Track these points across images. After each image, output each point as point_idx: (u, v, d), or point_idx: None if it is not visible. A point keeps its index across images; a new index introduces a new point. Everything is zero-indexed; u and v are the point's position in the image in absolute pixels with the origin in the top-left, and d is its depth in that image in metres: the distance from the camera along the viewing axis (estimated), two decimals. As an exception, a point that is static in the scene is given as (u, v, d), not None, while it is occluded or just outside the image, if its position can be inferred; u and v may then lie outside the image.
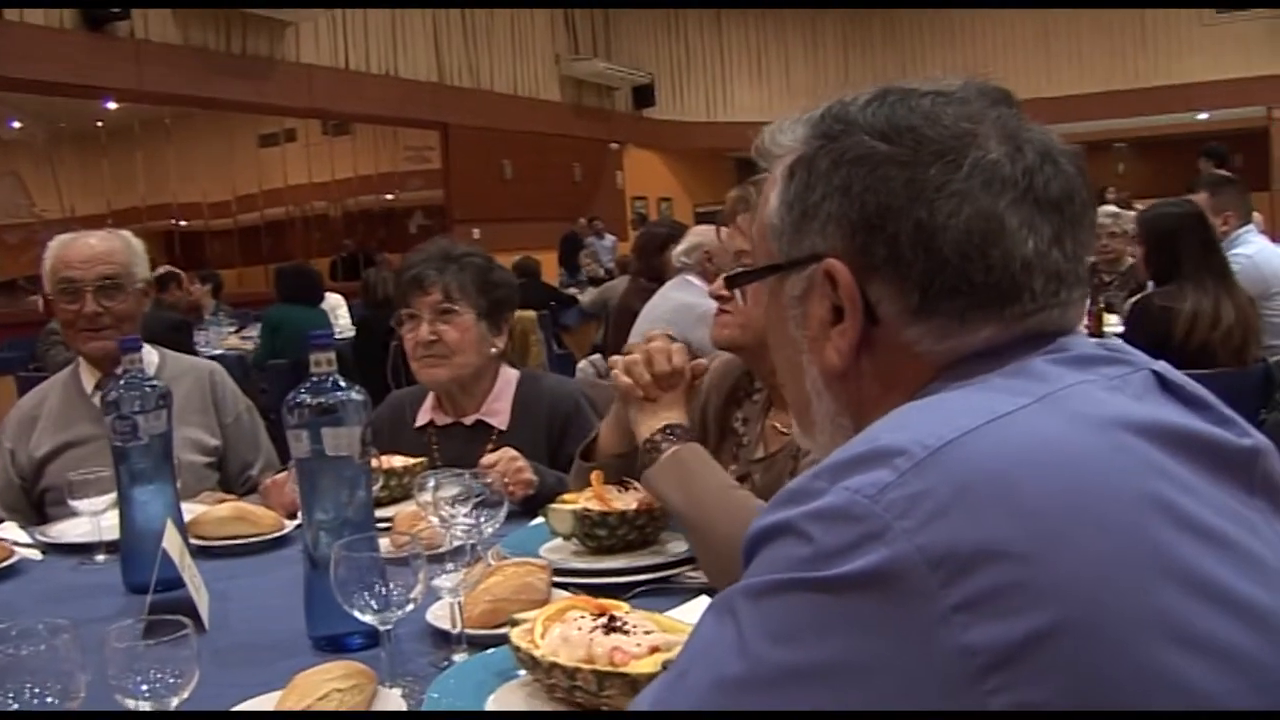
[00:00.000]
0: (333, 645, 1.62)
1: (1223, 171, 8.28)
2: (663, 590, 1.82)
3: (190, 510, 2.48)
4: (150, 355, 3.01)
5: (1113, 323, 5.35)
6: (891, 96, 1.00)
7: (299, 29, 13.05)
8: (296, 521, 2.17)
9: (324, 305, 9.46)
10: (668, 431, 1.96)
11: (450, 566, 1.55)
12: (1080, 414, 0.88)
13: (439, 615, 1.63)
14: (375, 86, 14.13)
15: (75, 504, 2.26)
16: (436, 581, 1.54)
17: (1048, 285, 0.97)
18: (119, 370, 2.05)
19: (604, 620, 1.35)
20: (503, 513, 1.88)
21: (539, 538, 2.06)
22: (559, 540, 2.02)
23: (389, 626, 1.44)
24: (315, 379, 1.63)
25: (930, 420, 0.87)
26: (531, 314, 9.43)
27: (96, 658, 1.23)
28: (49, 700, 1.17)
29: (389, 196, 16.32)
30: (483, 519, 1.87)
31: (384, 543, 1.56)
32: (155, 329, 6.64)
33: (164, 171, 17.11)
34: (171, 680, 1.23)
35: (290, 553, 2.20)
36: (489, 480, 1.84)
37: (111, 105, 14.77)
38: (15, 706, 1.16)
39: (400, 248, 13.73)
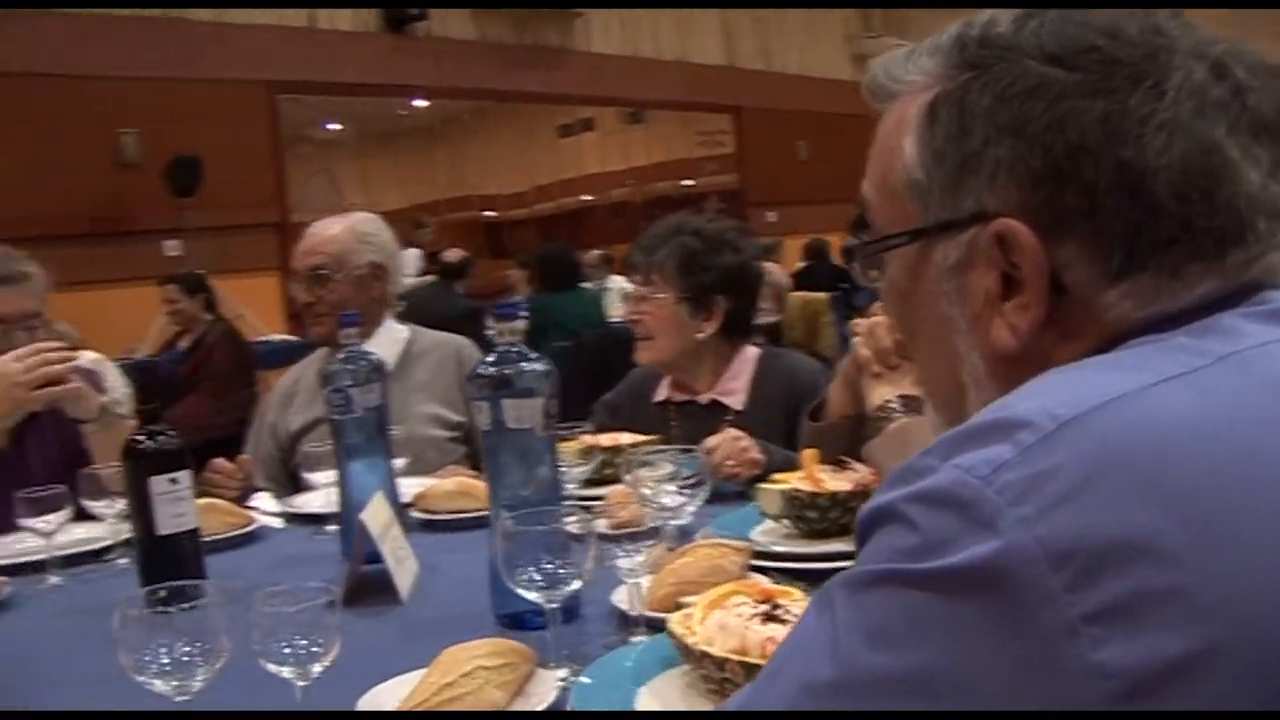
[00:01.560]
0: (514, 622, 1.59)
1: None
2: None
3: (422, 484, 2.53)
4: (399, 331, 3.09)
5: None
6: (1050, 12, 0.84)
7: (589, 19, 13.30)
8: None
9: (611, 288, 9.58)
10: (902, 402, 1.84)
11: (639, 546, 1.49)
12: (1272, 379, 0.73)
13: (622, 596, 1.57)
14: (666, 72, 14.24)
15: (309, 476, 2.33)
16: (619, 561, 1.48)
17: (1270, 224, 0.81)
18: (342, 343, 2.09)
19: (765, 608, 1.26)
20: (704, 494, 1.81)
21: (753, 520, 1.97)
22: (771, 523, 1.93)
23: (554, 605, 1.39)
24: (500, 349, 1.59)
25: (1070, 386, 0.73)
26: (823, 296, 9.34)
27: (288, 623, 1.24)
28: (194, 659, 1.18)
29: (686, 182, 16.44)
30: (685, 499, 1.81)
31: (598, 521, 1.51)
32: (447, 314, 6.93)
33: (465, 164, 17.79)
34: (314, 649, 1.21)
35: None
36: (710, 461, 1.77)
37: (418, 103, 15.48)
38: (165, 662, 1.17)
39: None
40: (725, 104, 15.13)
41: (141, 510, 1.83)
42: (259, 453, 3.03)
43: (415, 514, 2.32)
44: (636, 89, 14.22)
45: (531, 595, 1.37)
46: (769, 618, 1.24)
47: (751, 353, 2.79)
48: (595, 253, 10.53)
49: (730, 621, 1.23)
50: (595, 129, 17.74)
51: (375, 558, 1.77)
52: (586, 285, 8.62)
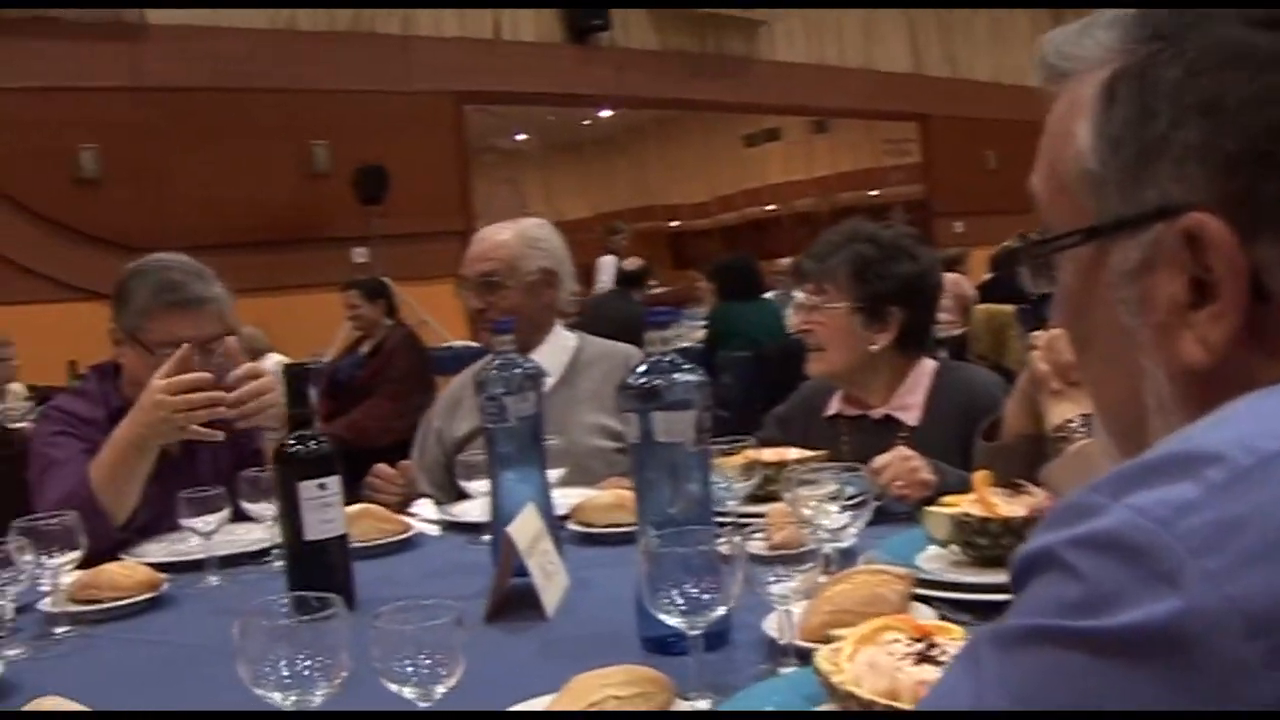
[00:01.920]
0: (657, 646, 1.51)
1: None
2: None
3: (584, 495, 2.47)
4: (568, 339, 3.05)
5: None
6: None
7: (773, 27, 13.18)
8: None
9: (797, 298, 9.41)
10: (1084, 421, 1.71)
11: (794, 570, 1.40)
12: None
13: (776, 623, 1.48)
14: (851, 80, 14.02)
15: (465, 485, 2.30)
16: (771, 586, 1.39)
17: None
18: (496, 350, 2.04)
19: (920, 647, 1.15)
20: (867, 516, 1.71)
21: (920, 544, 1.85)
22: (938, 549, 1.81)
23: (697, 631, 1.30)
24: (651, 359, 1.52)
25: (1272, 414, 0.62)
26: (1009, 308, 9.04)
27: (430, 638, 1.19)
28: (314, 674, 1.14)
29: (871, 192, 16.20)
30: (847, 521, 1.71)
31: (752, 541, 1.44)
32: (624, 323, 6.90)
33: (646, 175, 17.88)
34: (438, 669, 1.16)
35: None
36: (878, 481, 1.67)
37: (605, 113, 15.60)
38: (285, 674, 1.13)
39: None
40: (911, 112, 14.82)
41: (290, 515, 1.82)
42: (424, 459, 3.02)
43: (572, 526, 2.26)
44: (821, 97, 14.03)
45: (673, 620, 1.29)
46: (924, 658, 1.13)
47: (928, 366, 2.66)
48: (785, 261, 10.37)
49: (881, 660, 1.13)
50: (780, 138, 17.63)
51: (524, 571, 1.72)
52: (769, 295, 8.50)
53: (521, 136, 16.67)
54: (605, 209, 17.39)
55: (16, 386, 6.76)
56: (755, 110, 15.23)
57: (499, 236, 3.00)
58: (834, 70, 13.95)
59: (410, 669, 1.15)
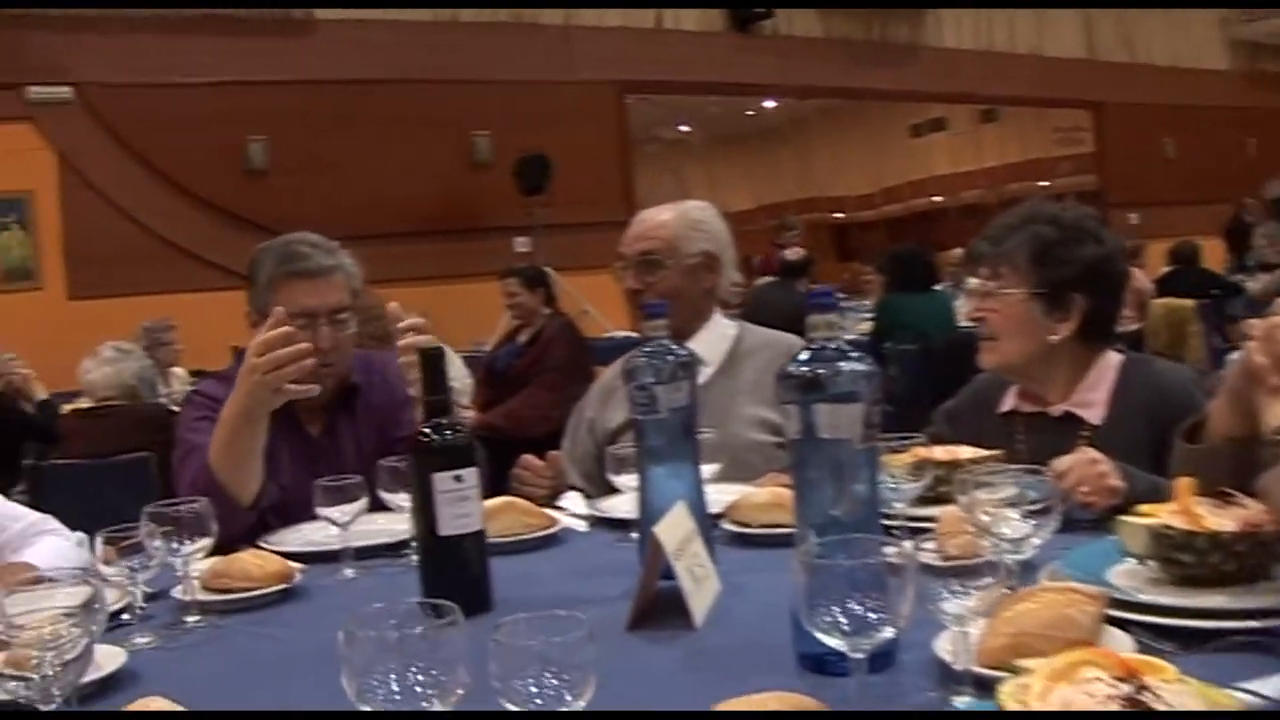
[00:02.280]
0: (815, 665, 1.35)
1: None
2: (1258, 646, 1.34)
3: (739, 492, 2.33)
4: (727, 327, 2.92)
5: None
6: None
7: (940, 12, 12.83)
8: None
9: (968, 289, 9.11)
10: None
11: (971, 584, 1.24)
12: None
13: (948, 645, 1.32)
14: (1021, 67, 13.59)
15: (614, 479, 2.17)
16: (945, 604, 1.23)
17: None
18: (646, 336, 1.90)
19: (1127, 689, 0.98)
20: (1052, 525, 1.54)
21: (1111, 558, 1.66)
22: (1134, 563, 1.62)
23: (860, 655, 1.15)
24: (815, 346, 1.37)
25: None
26: (1189, 303, 8.60)
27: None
28: (427, 690, 1.02)
29: (1041, 183, 15.74)
30: (1030, 530, 1.53)
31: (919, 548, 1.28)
32: (786, 313, 6.71)
33: (811, 166, 17.72)
34: (565, 692, 1.02)
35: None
36: (1061, 485, 1.50)
37: (768, 104, 15.45)
38: (394, 689, 1.02)
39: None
40: (1084, 99, 14.29)
41: (424, 508, 1.71)
42: (575, 450, 2.92)
43: (726, 526, 2.12)
44: (990, 85, 13.64)
45: (833, 641, 1.14)
46: (1131, 702, 0.96)
47: (1113, 359, 2.43)
48: (957, 251, 10.05)
49: (1078, 701, 0.97)
50: (946, 128, 17.27)
51: (672, 573, 1.59)
52: (939, 287, 8.22)
53: (685, 128, 16.60)
54: (768, 200, 17.23)
55: (179, 370, 6.91)
56: (921, 99, 14.93)
57: (660, 216, 2.88)
58: (1003, 57, 13.53)
59: (534, 688, 1.02)
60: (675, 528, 1.63)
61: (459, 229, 10.17)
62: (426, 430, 1.73)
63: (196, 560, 1.83)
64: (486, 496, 2.57)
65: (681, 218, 2.86)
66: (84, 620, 1.33)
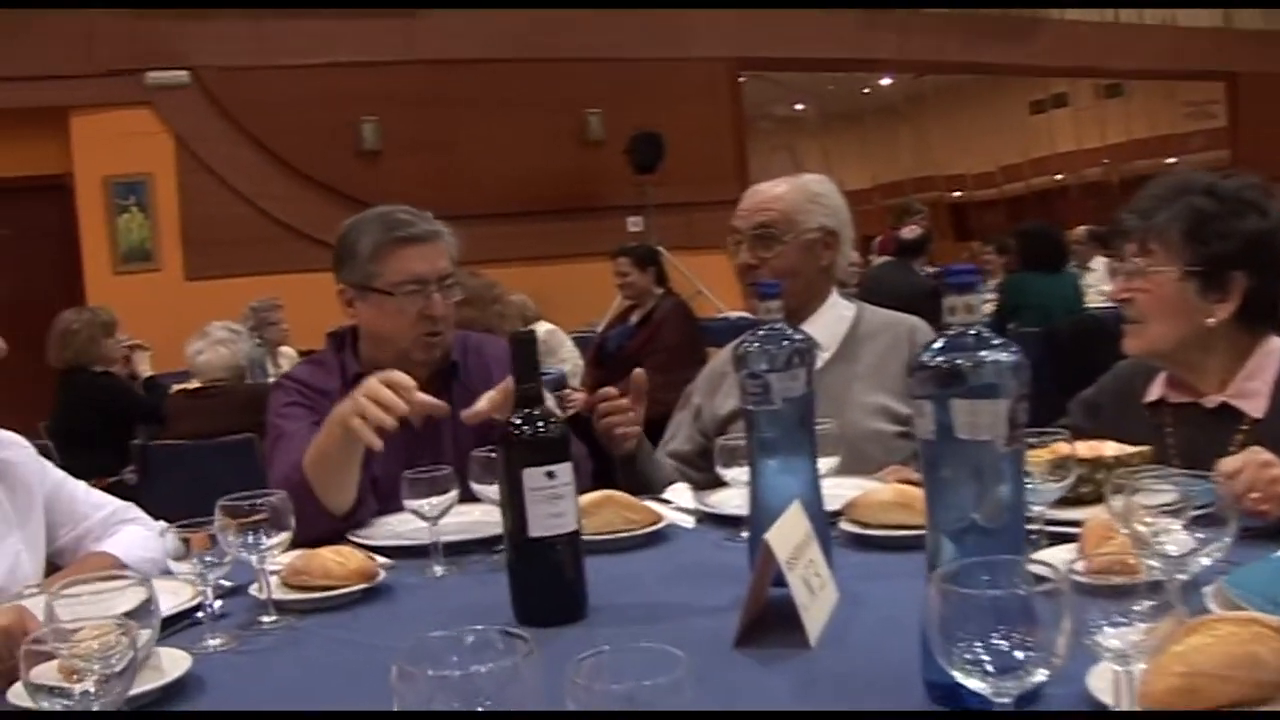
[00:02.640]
0: (946, 696, 1.17)
1: None
2: None
3: (859, 488, 2.15)
4: (844, 308, 2.73)
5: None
6: None
7: (1063, -14, 12.40)
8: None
9: (1095, 270, 8.81)
10: None
11: (1130, 608, 1.05)
12: None
13: (1104, 683, 1.12)
14: (1149, 39, 13.09)
15: (723, 472, 2.00)
16: (1098, 635, 1.05)
17: None
18: (759, 319, 1.72)
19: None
20: (1228, 536, 1.33)
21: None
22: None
23: (1005, 699, 0.97)
24: (951, 332, 1.18)
25: None
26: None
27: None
28: None
29: (1169, 160, 15.20)
30: (1200, 544, 1.33)
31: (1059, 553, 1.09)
32: (905, 293, 6.50)
33: (929, 144, 17.38)
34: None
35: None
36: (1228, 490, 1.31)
37: (882, 82, 15.16)
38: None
39: (1182, 214, 12.63)
40: (1217, 71, 13.66)
41: (513, 506, 1.56)
42: (679, 439, 2.76)
43: (845, 526, 1.94)
44: (1115, 58, 13.14)
45: (974, 683, 0.96)
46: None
47: (1276, 345, 2.19)
48: (1082, 228, 9.66)
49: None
50: (1068, 104, 16.81)
51: (784, 579, 1.42)
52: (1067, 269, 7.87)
53: (800, 106, 16.33)
54: (885, 179, 16.88)
55: (288, 350, 6.89)
56: (1044, 74, 14.46)
57: (776, 189, 2.70)
58: (1129, 29, 13.06)
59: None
60: (789, 532, 1.46)
61: (571, 208, 10.09)
62: (516, 421, 1.59)
63: (274, 556, 1.71)
64: (593, 484, 2.46)
65: (799, 190, 2.68)
66: (135, 628, 1.20)
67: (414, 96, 9.68)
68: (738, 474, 1.96)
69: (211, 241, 9.10)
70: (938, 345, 1.17)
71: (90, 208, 9.15)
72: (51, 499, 2.17)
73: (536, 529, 1.54)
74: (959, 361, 1.15)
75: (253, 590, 1.76)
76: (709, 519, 2.16)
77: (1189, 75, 14.03)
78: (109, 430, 5.41)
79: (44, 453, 5.18)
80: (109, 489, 5.25)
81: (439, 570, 1.92)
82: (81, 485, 2.24)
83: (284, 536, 1.70)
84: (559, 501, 1.55)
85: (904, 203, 11.04)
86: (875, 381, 2.58)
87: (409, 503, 1.92)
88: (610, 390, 2.45)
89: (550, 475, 1.54)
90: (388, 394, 1.99)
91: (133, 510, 2.24)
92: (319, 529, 2.12)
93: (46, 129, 8.90)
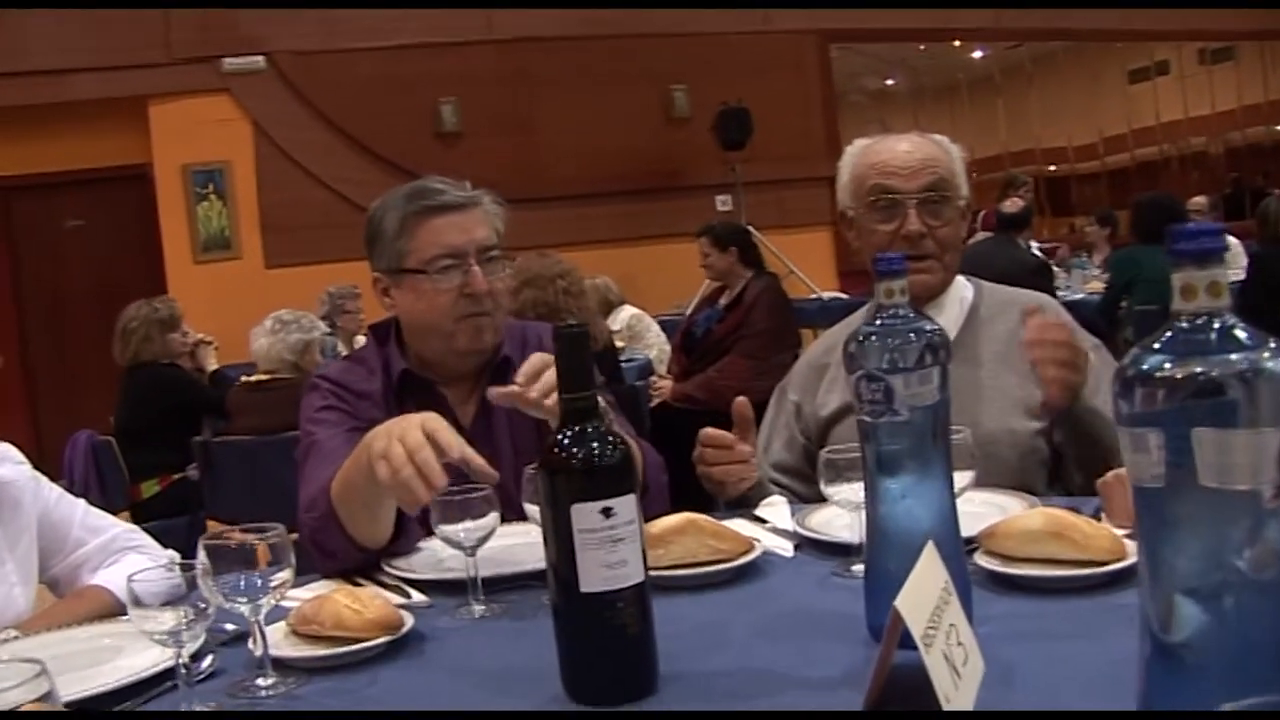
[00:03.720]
0: None
1: None
2: None
3: (992, 506, 1.77)
4: (963, 288, 2.31)
5: None
6: None
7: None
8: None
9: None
10: None
11: None
12: None
13: None
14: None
15: (829, 490, 1.62)
16: None
17: None
18: (879, 304, 1.34)
19: None
20: None
21: None
22: None
23: None
24: (1183, 324, 0.80)
25: None
26: None
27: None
28: None
29: (1278, 127, 14.54)
30: None
31: None
32: (1010, 270, 6.05)
33: (1026, 117, 16.92)
34: None
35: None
36: None
37: (975, 55, 14.69)
38: None
39: (1292, 183, 12.07)
40: (1339, 25, 12.95)
41: (560, 553, 1.20)
42: (775, 443, 2.36)
43: (983, 560, 1.53)
44: (1225, 18, 12.45)
45: None
46: None
47: None
48: (1201, 199, 9.05)
49: None
50: (1170, 72, 16.20)
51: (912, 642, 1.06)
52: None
53: (890, 81, 15.84)
54: (980, 154, 16.29)
55: (363, 339, 6.62)
56: (1143, 39, 13.81)
57: (928, 147, 2.25)
58: (1250, -15, 12.38)
59: None
60: (924, 590, 1.09)
61: (657, 187, 9.79)
62: (563, 440, 1.21)
63: (271, 604, 1.37)
64: (679, 493, 2.09)
65: (947, 150, 2.27)
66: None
67: (493, 76, 9.43)
68: (846, 493, 1.59)
69: (291, 228, 8.93)
70: (1157, 345, 0.79)
71: (170, 196, 9.03)
72: (44, 522, 1.88)
73: (590, 583, 1.17)
74: (1202, 371, 0.76)
75: (250, 644, 1.42)
76: (812, 544, 1.77)
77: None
78: (172, 426, 5.17)
79: (108, 450, 5.06)
80: (174, 486, 5.09)
81: (478, 610, 1.57)
82: (80, 505, 1.94)
83: (285, 576, 1.37)
84: (619, 546, 1.17)
85: (1007, 176, 10.54)
86: (1005, 373, 2.19)
87: (440, 529, 1.58)
88: (718, 435, 2.03)
89: (607, 513, 1.17)
90: (428, 457, 1.58)
91: (138, 536, 1.94)
92: (351, 560, 1.81)
93: (125, 119, 8.80)
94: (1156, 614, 0.86)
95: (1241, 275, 6.96)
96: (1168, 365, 0.78)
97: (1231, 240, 9.09)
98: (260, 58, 9.06)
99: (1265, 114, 15.08)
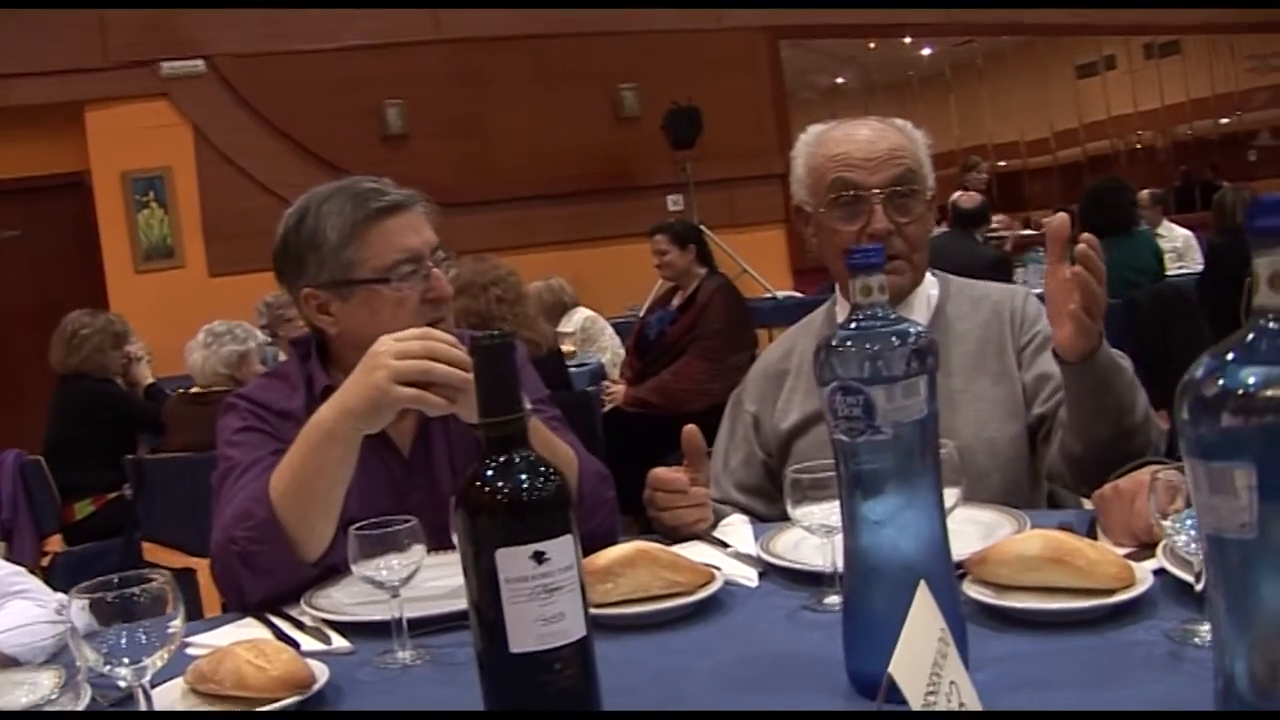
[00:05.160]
0: None
1: None
2: None
3: (984, 528, 1.60)
4: (929, 287, 2.12)
5: None
6: None
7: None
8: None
9: (1163, 235, 8.25)
10: None
11: None
12: None
13: None
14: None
15: (796, 512, 1.44)
16: None
17: None
18: (854, 303, 1.17)
19: None
20: None
21: None
22: None
23: None
24: (1273, 324, 0.62)
25: None
26: None
27: None
28: None
29: (1224, 120, 14.61)
30: None
31: None
32: (970, 265, 5.88)
33: (978, 112, 17.05)
34: None
35: (1156, 640, 1.20)
36: None
37: (925, 52, 14.72)
38: None
39: (1237, 177, 12.08)
40: (1281, 20, 13.00)
41: (485, 604, 1.01)
42: (730, 457, 2.19)
43: (972, 590, 1.34)
44: (1167, 14, 12.51)
45: None
46: None
47: None
48: (1146, 192, 8.96)
49: None
50: (1117, 66, 16.34)
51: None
52: (1141, 230, 7.15)
53: (840, 79, 15.80)
54: (934, 150, 16.27)
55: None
56: (1092, 33, 13.87)
57: (891, 136, 2.05)
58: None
59: None
60: (920, 645, 0.91)
61: (608, 188, 9.65)
62: (484, 473, 1.03)
63: (157, 664, 1.18)
64: (633, 505, 1.93)
65: (913, 137, 2.09)
66: None
67: (440, 77, 9.25)
68: (816, 515, 1.41)
69: (234, 235, 8.67)
70: (1246, 351, 0.62)
71: (109, 205, 8.78)
72: None
73: (521, 641, 0.98)
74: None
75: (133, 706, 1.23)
76: (779, 573, 1.59)
77: (1252, 28, 13.35)
78: (108, 443, 4.93)
79: (36, 469, 4.82)
80: (109, 506, 4.85)
81: (403, 658, 1.38)
82: None
83: (176, 626, 1.17)
84: (555, 596, 0.98)
85: (965, 160, 10.47)
86: (977, 373, 2.02)
87: (358, 567, 1.39)
88: (670, 479, 1.84)
89: (540, 559, 0.98)
90: (447, 349, 1.56)
91: (24, 580, 1.74)
92: (287, 578, 1.64)
93: (61, 125, 8.55)
94: (1223, 659, 0.68)
95: (1199, 268, 6.85)
96: (1260, 379, 0.60)
97: (1186, 232, 9.04)
98: (200, 61, 8.84)
99: (1212, 108, 15.21)
